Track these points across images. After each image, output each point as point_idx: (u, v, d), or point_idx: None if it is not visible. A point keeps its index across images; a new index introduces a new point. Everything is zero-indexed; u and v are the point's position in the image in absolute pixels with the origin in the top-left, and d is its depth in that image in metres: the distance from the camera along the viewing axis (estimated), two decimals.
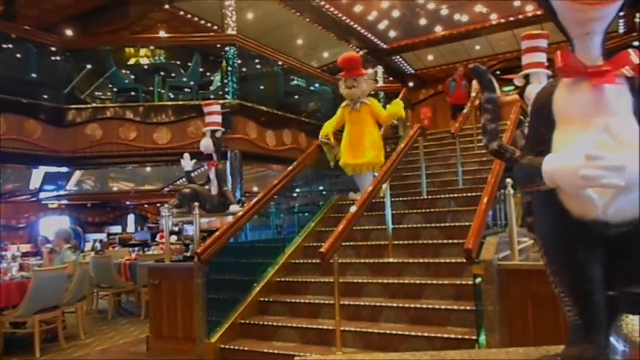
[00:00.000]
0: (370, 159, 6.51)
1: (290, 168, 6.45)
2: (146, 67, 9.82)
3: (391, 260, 5.36)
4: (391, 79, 14.38)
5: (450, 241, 5.30)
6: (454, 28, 12.18)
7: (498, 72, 13.64)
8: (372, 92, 6.87)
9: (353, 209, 4.99)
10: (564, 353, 1.33)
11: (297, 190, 8.24)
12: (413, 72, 14.95)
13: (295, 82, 11.03)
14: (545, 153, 1.30)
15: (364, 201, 5.11)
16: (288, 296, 5.39)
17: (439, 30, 12.35)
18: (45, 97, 8.30)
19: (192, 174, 6.45)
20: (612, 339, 1.23)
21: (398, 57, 13.82)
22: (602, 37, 1.31)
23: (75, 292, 6.28)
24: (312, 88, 11.43)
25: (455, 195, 6.55)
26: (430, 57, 14.06)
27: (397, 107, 6.85)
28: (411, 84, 15.02)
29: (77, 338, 6.28)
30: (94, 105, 8.75)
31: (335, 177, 8.21)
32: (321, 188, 8.71)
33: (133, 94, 9.06)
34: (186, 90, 9.33)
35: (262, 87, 10.46)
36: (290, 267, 5.87)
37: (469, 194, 6.29)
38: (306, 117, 10.32)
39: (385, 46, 12.90)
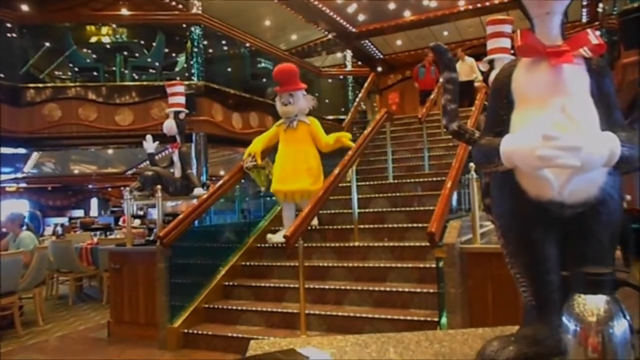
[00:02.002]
0: (305, 185, 5.51)
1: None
2: (107, 46, 9.52)
3: (356, 243, 5.38)
4: (359, 63, 14.35)
5: (415, 225, 5.34)
6: (422, 13, 12.20)
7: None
8: (312, 108, 5.85)
9: (319, 193, 4.98)
10: (517, 333, 1.34)
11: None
12: (381, 56, 14.95)
13: (263, 65, 10.88)
14: (503, 133, 1.29)
15: (329, 184, 5.09)
16: (253, 280, 5.36)
17: (407, 15, 12.35)
18: (0, 75, 7.95)
19: (156, 157, 6.30)
20: (564, 318, 1.24)
21: (366, 41, 13.78)
22: (562, 17, 1.31)
23: (33, 277, 6.10)
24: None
25: (421, 180, 6.61)
26: (399, 42, 14.07)
27: (345, 139, 5.74)
28: (379, 69, 15.02)
29: (35, 324, 6.11)
30: (53, 84, 8.43)
31: None
32: None
33: (95, 73, 8.78)
34: (150, 70, 9.11)
35: (228, 69, 10.30)
36: (256, 251, 5.83)
37: (435, 179, 6.35)
38: (273, 100, 10.21)
39: (353, 29, 12.83)
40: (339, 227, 5.83)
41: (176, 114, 5.98)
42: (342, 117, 11.19)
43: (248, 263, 5.61)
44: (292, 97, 5.63)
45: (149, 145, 6.07)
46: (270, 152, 5.96)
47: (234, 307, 4.93)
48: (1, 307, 5.70)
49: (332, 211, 6.13)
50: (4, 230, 6.79)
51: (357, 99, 11.52)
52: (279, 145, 5.82)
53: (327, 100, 12.12)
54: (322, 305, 4.64)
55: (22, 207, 16.56)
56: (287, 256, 5.29)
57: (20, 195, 17.35)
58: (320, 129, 5.77)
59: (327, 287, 4.85)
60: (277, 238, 5.60)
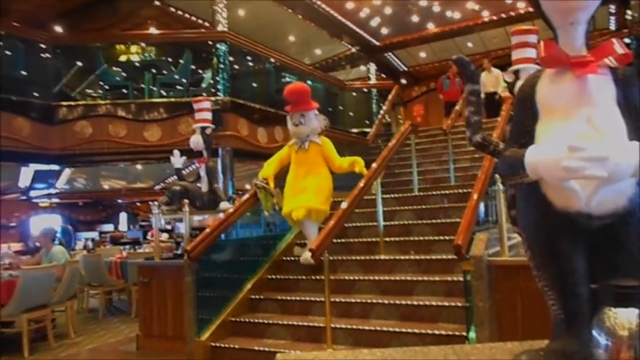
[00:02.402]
0: (311, 204, 5.26)
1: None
2: (136, 64, 9.74)
3: (382, 256, 5.35)
4: (383, 76, 14.37)
5: (442, 237, 5.28)
6: (445, 25, 12.18)
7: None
8: (324, 128, 5.68)
9: (343, 205, 4.98)
10: (547, 347, 1.31)
11: None
12: (405, 69, 14.95)
13: (287, 79, 10.98)
14: (528, 144, 1.28)
15: (354, 197, 5.10)
16: (279, 293, 5.36)
17: (430, 27, 12.35)
18: (35, 94, 8.22)
19: (183, 171, 6.41)
20: (595, 332, 1.22)
21: (390, 54, 13.81)
22: (586, 27, 1.30)
23: (65, 291, 6.23)
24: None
25: (447, 192, 6.55)
26: (423, 54, 14.05)
27: (359, 165, 5.45)
28: (403, 81, 15.01)
29: (66, 337, 6.23)
30: (84, 102, 8.67)
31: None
32: None
33: (124, 91, 9.00)
34: (177, 87, 9.28)
35: (253, 84, 10.42)
36: (282, 264, 5.84)
37: (461, 190, 6.29)
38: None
39: (377, 43, 12.88)
40: (365, 240, 5.81)
41: (203, 129, 6.08)
42: (366, 129, 11.20)
43: (274, 276, 5.62)
44: (303, 117, 5.43)
45: (177, 160, 6.17)
46: (283, 175, 5.78)
47: (261, 321, 4.94)
48: (35, 320, 5.83)
49: (358, 224, 6.12)
50: (37, 244, 6.97)
51: (381, 112, 11.53)
52: (290, 167, 5.63)
53: (351, 114, 12.15)
54: (348, 319, 4.61)
55: (55, 222, 16.95)
56: (313, 270, 5.28)
57: (53, 211, 17.78)
58: (332, 149, 5.58)
59: (353, 300, 4.82)
60: (306, 255, 5.19)
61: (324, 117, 5.70)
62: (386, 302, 4.64)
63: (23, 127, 7.64)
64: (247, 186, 12.25)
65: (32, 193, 13.39)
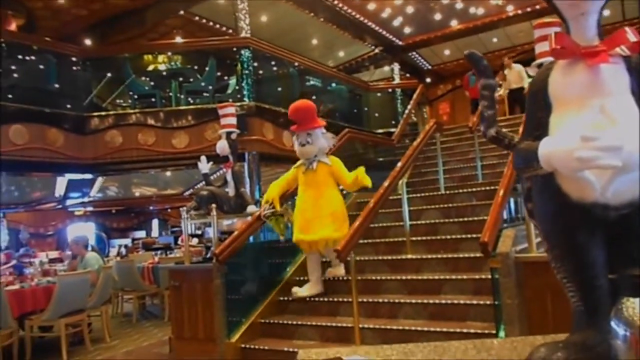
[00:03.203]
0: (327, 233, 4.97)
1: None
2: (163, 72, 9.96)
3: (409, 256, 5.33)
4: (407, 75, 14.30)
5: (469, 235, 5.24)
6: (469, 21, 12.06)
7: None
8: (332, 147, 5.48)
9: (369, 205, 4.99)
10: (567, 340, 1.30)
11: None
12: (429, 67, 14.85)
13: (311, 82, 11.04)
14: (542, 137, 1.28)
15: (379, 197, 5.10)
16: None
17: (454, 24, 12.24)
18: (67, 106, 8.47)
19: (211, 177, 6.51)
20: (613, 323, 1.21)
21: (414, 52, 13.74)
22: (598, 16, 1.29)
23: (100, 296, 6.40)
24: (328, 87, 11.43)
25: (474, 190, 6.48)
26: (447, 52, 13.93)
27: (361, 177, 5.05)
28: (428, 80, 14.91)
29: (102, 341, 6.39)
30: (114, 112, 8.89)
31: None
32: (340, 187, 8.70)
33: (153, 99, 9.19)
34: (203, 94, 9.43)
35: (277, 88, 10.50)
36: None
37: (488, 188, 6.21)
38: (323, 117, 10.31)
39: (400, 42, 12.84)
40: (391, 239, 5.80)
41: (228, 134, 6.16)
42: (392, 130, 11.16)
43: (302, 278, 5.65)
44: (310, 137, 5.14)
45: (204, 165, 6.27)
46: (290, 196, 5.58)
47: (290, 322, 4.98)
48: (72, 324, 6.01)
49: (384, 224, 6.11)
50: (69, 252, 7.19)
51: (407, 111, 11.48)
52: (298, 189, 5.33)
53: (376, 114, 12.13)
54: (376, 319, 4.61)
55: (89, 229, 17.40)
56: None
57: (87, 219, 18.25)
58: (342, 168, 5.25)
59: (380, 300, 4.82)
60: (303, 292, 5.18)
61: (332, 135, 5.45)
62: (414, 301, 4.62)
63: (57, 138, 7.88)
64: None
65: (67, 202, 13.77)
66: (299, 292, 5.21)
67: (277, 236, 6.83)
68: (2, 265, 7.65)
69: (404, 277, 5.01)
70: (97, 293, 6.31)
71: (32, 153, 7.53)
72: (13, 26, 10.11)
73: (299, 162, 5.40)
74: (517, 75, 9.84)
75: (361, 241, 5.24)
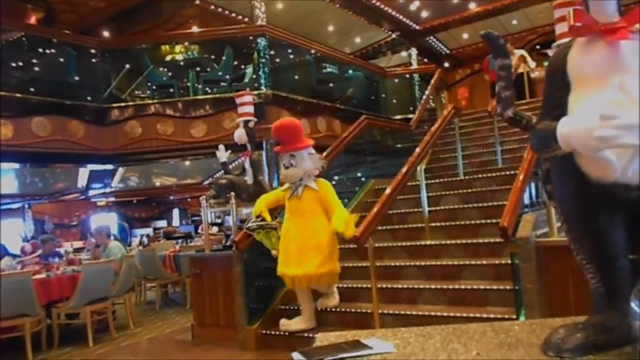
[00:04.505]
0: (310, 269, 4.46)
1: (324, 154, 6.46)
2: (181, 62, 10.00)
3: (428, 242, 5.32)
4: (425, 60, 14.14)
5: (489, 221, 5.19)
6: (488, 3, 11.83)
7: (538, 46, 13.22)
8: (321, 169, 4.80)
9: (387, 191, 4.98)
10: (586, 321, 1.30)
11: (333, 176, 8.25)
12: (448, 51, 14.64)
13: (328, 69, 10.99)
14: (561, 117, 1.26)
15: (397, 183, 5.08)
16: None
17: (472, 6, 12.02)
18: (87, 97, 8.58)
19: (229, 165, 6.55)
20: (633, 304, 1.20)
21: (431, 37, 13.55)
22: None
23: (123, 284, 6.51)
24: (345, 74, 11.37)
25: (494, 175, 6.42)
26: (465, 35, 13.71)
27: (350, 229, 4.32)
28: (446, 64, 14.72)
29: (126, 328, 6.52)
30: (133, 103, 8.98)
31: (371, 162, 8.19)
32: (358, 174, 8.70)
33: (171, 90, 9.26)
34: (220, 83, 9.46)
35: (294, 76, 10.48)
36: None
37: (508, 173, 6.14)
38: (340, 104, 10.29)
39: (417, 27, 12.67)
40: (410, 226, 5.78)
41: (246, 123, 6.18)
42: (410, 116, 11.08)
43: None
44: (294, 158, 4.57)
45: (222, 154, 6.31)
46: (280, 211, 5.18)
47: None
48: (97, 312, 6.14)
49: (402, 210, 6.09)
50: (93, 241, 7.32)
51: (424, 97, 11.37)
52: (284, 216, 4.88)
53: (394, 101, 12.04)
54: (395, 305, 4.63)
55: (112, 219, 17.69)
56: (358, 256, 5.31)
57: (109, 209, 18.54)
58: (331, 194, 4.64)
59: (400, 286, 4.83)
60: (294, 326, 4.71)
61: (320, 155, 4.83)
62: (433, 287, 4.62)
63: (78, 130, 8.00)
64: None
65: (90, 193, 14.00)
66: (288, 325, 4.71)
67: None
68: (28, 255, 7.83)
69: (423, 263, 5.01)
70: (120, 281, 6.42)
71: (54, 145, 7.66)
72: (33, 20, 10.25)
73: (285, 186, 4.90)
74: (519, 61, 9.65)
75: (380, 228, 5.24)
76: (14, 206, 14.94)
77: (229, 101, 8.07)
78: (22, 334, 5.39)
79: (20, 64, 8.30)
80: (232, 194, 5.70)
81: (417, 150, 5.69)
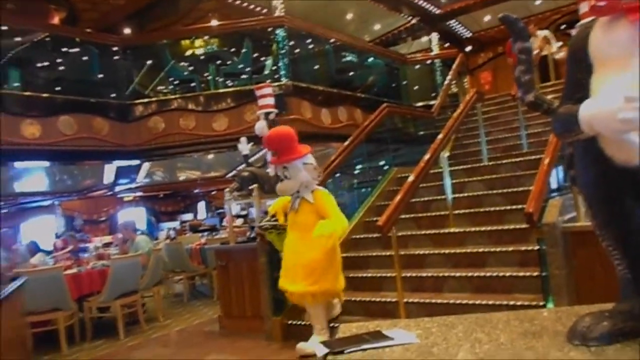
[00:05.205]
0: (300, 288, 4.19)
1: (346, 143, 6.45)
2: (201, 57, 10.05)
3: (452, 229, 5.27)
4: (446, 45, 13.92)
5: (514, 207, 5.12)
6: None
7: (562, 26, 12.89)
8: (318, 178, 4.53)
9: (410, 179, 4.94)
10: (613, 309, 1.27)
11: (355, 165, 8.22)
12: (469, 35, 14.39)
13: (348, 58, 10.92)
14: (583, 99, 1.22)
15: (420, 171, 5.04)
16: (350, 271, 5.41)
17: None
18: (110, 95, 8.71)
19: (251, 158, 6.57)
20: None
21: (452, 21, 13.33)
22: None
23: (151, 277, 6.63)
24: (365, 62, 11.29)
25: (519, 160, 6.30)
26: (487, 18, 13.44)
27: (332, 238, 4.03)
28: (468, 48, 14.48)
29: (156, 320, 6.64)
30: (155, 98, 9.07)
31: (393, 150, 8.14)
32: (380, 163, 8.65)
33: (192, 84, 9.33)
34: (241, 76, 9.49)
35: (314, 66, 10.44)
36: (351, 243, 5.89)
37: (534, 157, 6.02)
38: (361, 92, 10.22)
39: (438, 11, 12.47)
40: (434, 214, 5.74)
41: (266, 115, 6.18)
42: (431, 102, 10.95)
43: (345, 255, 5.67)
44: (287, 170, 4.32)
45: (244, 147, 6.31)
46: None
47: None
48: (127, 305, 6.27)
49: (426, 198, 6.04)
50: (120, 236, 7.46)
51: (446, 82, 11.22)
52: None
53: (415, 87, 11.91)
54: (420, 293, 4.61)
55: (139, 214, 17.98)
56: (382, 245, 5.30)
57: (136, 204, 18.85)
58: (328, 204, 4.27)
59: (424, 274, 4.80)
60: (308, 346, 4.23)
61: (315, 165, 4.47)
62: (458, 275, 4.58)
63: (102, 127, 8.13)
64: None
65: (117, 188, 14.24)
66: (304, 347, 4.29)
67: None
68: (59, 251, 8.03)
69: (447, 251, 4.97)
70: (148, 275, 6.54)
71: (80, 142, 7.80)
72: (56, 20, 10.42)
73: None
74: (543, 43, 9.40)
75: (403, 216, 5.21)
76: (45, 203, 15.31)
77: (250, 94, 8.08)
78: (56, 328, 5.54)
79: (46, 64, 8.46)
80: (255, 186, 5.73)
81: (440, 136, 5.62)
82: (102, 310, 6.36)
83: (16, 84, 8.34)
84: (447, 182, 5.45)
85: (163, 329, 6.25)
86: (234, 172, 13.16)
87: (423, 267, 5.00)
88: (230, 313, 5.74)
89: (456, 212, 5.43)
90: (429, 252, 5.07)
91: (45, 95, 7.66)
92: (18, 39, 7.98)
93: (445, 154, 5.67)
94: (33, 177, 11.29)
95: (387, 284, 4.89)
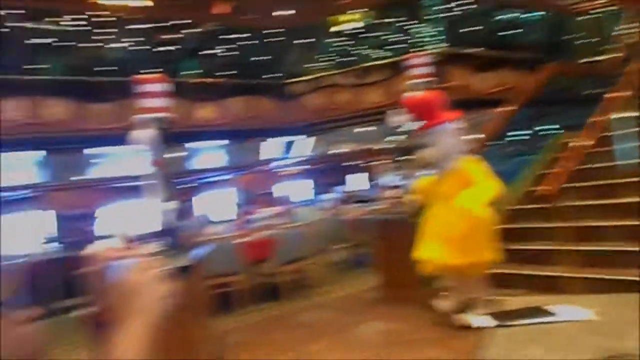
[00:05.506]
0: (448, 259, 4.01)
1: (505, 108, 6.12)
2: (355, 30, 10.21)
3: (627, 199, 4.72)
4: None
5: None
6: None
7: None
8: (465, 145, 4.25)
9: (579, 143, 4.54)
10: None
11: (515, 131, 7.74)
12: None
13: (508, 16, 10.22)
14: None
15: (590, 136, 4.59)
16: (514, 243, 5.17)
17: None
18: (271, 75, 9.33)
19: (407, 129, 6.57)
20: None
21: None
22: None
23: (314, 246, 7.07)
24: (526, 20, 10.44)
25: None
26: None
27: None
28: None
29: (319, 287, 7.07)
30: (312, 76, 9.48)
31: (559, 113, 7.50)
32: (545, 127, 8.03)
33: (347, 59, 9.56)
34: (395, 46, 9.46)
35: (471, 29, 9.97)
36: (514, 214, 5.62)
37: None
38: (521, 53, 9.52)
39: None
40: (605, 182, 5.17)
41: (420, 84, 6.11)
42: (601, 57, 9.78)
43: (507, 226, 5.43)
44: (430, 137, 4.09)
45: (399, 119, 6.33)
46: None
47: (496, 271, 4.87)
48: (293, 271, 6.77)
49: (596, 165, 5.47)
50: (285, 207, 8.02)
51: (622, 32, 9.88)
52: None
53: (584, 41, 10.71)
54: (590, 269, 4.25)
55: (301, 186, 19.04)
56: (545, 217, 4.97)
57: (299, 177, 19.96)
58: (474, 170, 3.97)
59: (595, 248, 4.41)
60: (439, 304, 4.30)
61: (461, 132, 4.18)
62: (636, 249, 4.12)
63: (266, 106, 8.78)
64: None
65: (281, 162, 15.25)
66: (442, 305, 4.32)
67: None
68: (234, 221, 8.91)
69: (621, 223, 4.48)
70: (311, 244, 6.98)
71: (248, 122, 8.54)
72: (222, 9, 11.36)
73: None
74: None
75: (570, 185, 4.82)
76: (218, 179, 16.99)
77: (403, 64, 8.05)
78: (231, 290, 6.21)
79: (216, 51, 9.34)
80: (412, 157, 5.73)
81: (613, 95, 5.03)
82: (272, 276, 6.96)
83: (191, 72, 9.35)
84: (623, 146, 4.87)
85: (325, 295, 6.63)
86: (390, 144, 13.26)
87: (594, 239, 4.59)
88: (389, 282, 5.88)
89: (631, 179, 4.85)
90: (601, 224, 4.63)
91: (217, 80, 8.49)
92: (192, 30, 8.92)
93: (623, 114, 5.05)
94: (207, 155, 12.61)
95: (552, 257, 4.60)
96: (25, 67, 9.02)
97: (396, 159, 6.08)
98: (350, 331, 4.94)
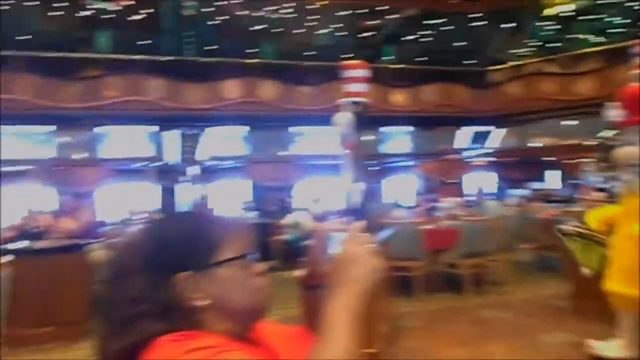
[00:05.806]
0: (621, 289, 3.56)
1: None
2: (568, 13, 9.31)
3: None
4: None
5: None
6: None
7: None
8: None
9: None
10: None
11: None
12: None
13: None
14: None
15: None
16: None
17: None
18: (469, 62, 9.02)
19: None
20: None
21: None
22: None
23: (498, 243, 6.74)
24: None
25: None
26: None
27: None
28: None
29: (499, 284, 6.75)
30: (513, 63, 8.94)
31: None
32: None
33: (555, 45, 8.81)
34: (615, 30, 8.42)
35: None
36: None
37: None
38: None
39: None
40: None
41: None
42: None
43: None
44: (631, 134, 3.61)
45: (612, 114, 5.66)
46: None
47: None
48: (474, 265, 6.56)
49: None
50: (471, 198, 7.75)
51: None
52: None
53: None
54: None
55: (489, 179, 18.18)
56: None
57: (487, 169, 19.09)
58: None
59: None
60: (609, 349, 3.78)
61: None
62: None
63: (460, 94, 8.56)
64: None
65: (469, 153, 14.76)
66: (601, 349, 3.82)
67: None
68: (417, 208, 8.91)
69: None
70: (496, 240, 6.66)
71: (439, 109, 8.42)
72: None
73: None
74: None
75: None
76: (406, 164, 17.07)
77: (624, 51, 7.12)
78: (411, 275, 6.26)
79: (412, 37, 9.31)
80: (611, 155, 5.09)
81: None
82: (451, 267, 6.84)
83: (389, 58, 9.47)
84: None
85: (506, 295, 6.32)
86: (597, 142, 11.93)
87: None
88: (580, 292, 5.34)
89: None
90: None
91: (412, 67, 8.50)
92: (394, 16, 9.01)
93: None
94: (397, 139, 12.74)
95: None
96: (244, 51, 10.06)
97: (600, 157, 5.43)
98: (532, 338, 4.65)
